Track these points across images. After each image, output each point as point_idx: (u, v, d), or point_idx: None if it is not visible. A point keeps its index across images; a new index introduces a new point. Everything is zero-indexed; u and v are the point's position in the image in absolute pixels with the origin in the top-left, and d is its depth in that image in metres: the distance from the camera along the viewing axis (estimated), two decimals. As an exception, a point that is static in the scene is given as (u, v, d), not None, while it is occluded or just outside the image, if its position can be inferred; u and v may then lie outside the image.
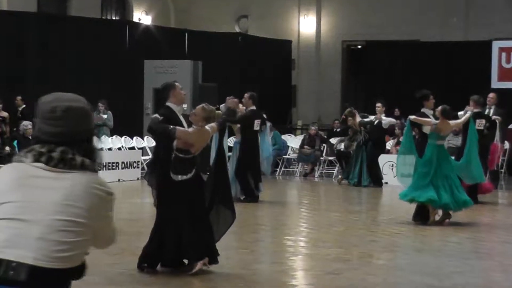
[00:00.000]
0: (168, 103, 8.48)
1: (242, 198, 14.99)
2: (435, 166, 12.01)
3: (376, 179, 18.77)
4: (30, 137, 17.55)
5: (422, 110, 12.65)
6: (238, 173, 14.95)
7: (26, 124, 17.72)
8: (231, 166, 14.93)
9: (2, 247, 3.04)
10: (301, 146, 21.83)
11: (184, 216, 8.12)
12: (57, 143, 3.18)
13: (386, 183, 18.70)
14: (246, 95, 15.60)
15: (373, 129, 18.72)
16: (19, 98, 20.06)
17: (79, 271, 3.17)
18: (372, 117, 19.15)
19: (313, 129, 22.08)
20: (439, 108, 12.48)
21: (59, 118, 3.19)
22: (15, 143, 17.54)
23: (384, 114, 18.95)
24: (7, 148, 16.85)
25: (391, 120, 19.52)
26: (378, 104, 19.17)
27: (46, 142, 3.19)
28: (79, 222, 3.10)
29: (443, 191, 11.94)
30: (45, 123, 3.20)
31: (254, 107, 15.38)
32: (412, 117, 12.47)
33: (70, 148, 3.18)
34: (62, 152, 3.16)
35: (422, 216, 12.19)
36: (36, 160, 3.15)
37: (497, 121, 16.02)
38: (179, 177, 8.15)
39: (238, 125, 15.16)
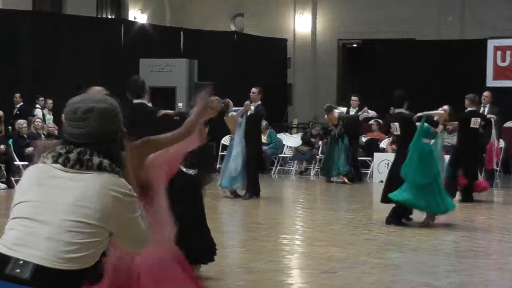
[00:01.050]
0: (143, 101, 8.00)
1: (246, 196, 15.06)
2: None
3: (357, 174, 19.03)
4: (25, 136, 17.53)
5: (398, 111, 12.25)
6: (248, 168, 14.98)
7: (21, 123, 17.67)
8: (234, 161, 14.91)
9: (13, 244, 3.08)
10: (303, 138, 22.02)
11: (199, 216, 7.93)
12: (79, 144, 3.20)
13: (382, 181, 18.69)
14: (255, 90, 15.64)
15: (350, 122, 18.77)
16: (17, 95, 20.02)
17: (94, 273, 3.17)
18: (342, 109, 19.23)
19: (317, 129, 22.12)
20: (447, 107, 12.37)
21: (80, 120, 3.22)
22: (10, 141, 17.49)
23: (358, 108, 19.09)
24: (2, 146, 16.80)
25: (375, 113, 19.54)
26: (355, 98, 19.26)
27: (69, 143, 3.22)
28: (89, 223, 3.09)
29: (446, 196, 11.90)
30: (68, 124, 3.26)
31: (260, 102, 15.47)
32: (434, 111, 12.20)
33: (90, 149, 3.18)
34: (79, 153, 3.18)
35: (397, 217, 12.03)
36: (55, 161, 3.19)
37: (492, 120, 16.03)
38: (191, 171, 7.93)
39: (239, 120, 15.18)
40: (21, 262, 3.02)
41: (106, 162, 3.18)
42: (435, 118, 12.15)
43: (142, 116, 7.80)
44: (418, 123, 11.96)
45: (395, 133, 12.37)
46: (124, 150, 3.43)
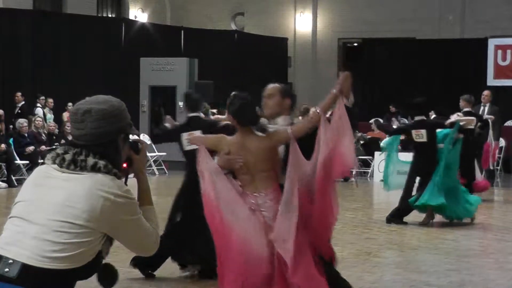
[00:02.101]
0: (198, 114, 8.34)
1: None
2: None
3: None
4: (26, 135, 17.53)
5: (420, 118, 12.25)
6: None
7: (22, 122, 17.66)
8: None
9: (4, 244, 3.10)
10: None
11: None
12: (80, 145, 3.21)
13: (382, 180, 18.67)
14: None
15: None
16: (19, 94, 20.01)
17: (84, 272, 3.15)
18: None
19: None
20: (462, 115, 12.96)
21: (79, 121, 3.22)
22: (11, 140, 17.49)
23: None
24: (3, 145, 16.80)
25: None
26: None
27: (71, 144, 3.25)
28: (76, 223, 3.08)
29: (466, 201, 12.17)
30: (72, 126, 3.28)
31: None
32: (464, 118, 12.86)
33: (86, 150, 3.19)
34: (75, 153, 3.18)
35: (399, 216, 12.12)
36: (53, 161, 3.21)
37: (490, 121, 15.99)
38: None
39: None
40: (10, 261, 3.03)
41: (101, 163, 3.16)
42: (462, 123, 12.42)
43: (198, 128, 8.05)
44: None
45: (418, 140, 12.01)
46: (138, 152, 3.41)
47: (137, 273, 8.14)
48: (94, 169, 3.15)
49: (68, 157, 3.18)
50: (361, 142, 21.17)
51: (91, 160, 3.17)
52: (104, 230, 3.15)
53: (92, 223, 3.09)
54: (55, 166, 3.19)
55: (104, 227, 3.14)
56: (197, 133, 7.90)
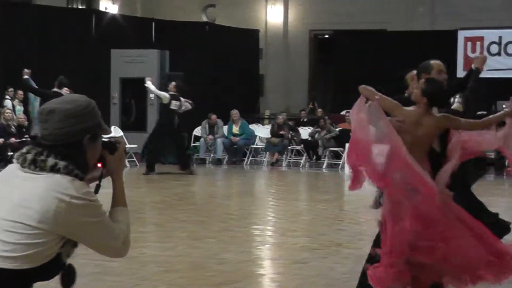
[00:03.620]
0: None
1: None
2: None
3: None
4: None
5: None
6: None
7: (-10, 114, 17.54)
8: None
9: None
10: (272, 131, 21.94)
11: None
12: (45, 145, 3.16)
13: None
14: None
15: (163, 110, 18.30)
16: None
17: (42, 273, 3.11)
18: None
19: (280, 117, 22.15)
20: None
21: (44, 121, 3.18)
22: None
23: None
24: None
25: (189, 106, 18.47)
26: (173, 84, 18.23)
27: (37, 143, 3.19)
28: (28, 224, 3.03)
29: None
30: (39, 125, 3.23)
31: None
32: None
33: (48, 150, 3.13)
34: (36, 153, 3.14)
35: None
36: (17, 160, 3.18)
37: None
38: None
39: None
40: None
41: (61, 163, 3.10)
42: None
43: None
44: None
45: None
46: (114, 152, 3.34)
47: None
48: (53, 169, 3.10)
49: (29, 156, 3.14)
50: (332, 135, 21.29)
51: (51, 161, 3.11)
52: (61, 232, 3.09)
53: (46, 224, 3.04)
54: (18, 165, 3.16)
55: (60, 229, 3.08)
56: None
